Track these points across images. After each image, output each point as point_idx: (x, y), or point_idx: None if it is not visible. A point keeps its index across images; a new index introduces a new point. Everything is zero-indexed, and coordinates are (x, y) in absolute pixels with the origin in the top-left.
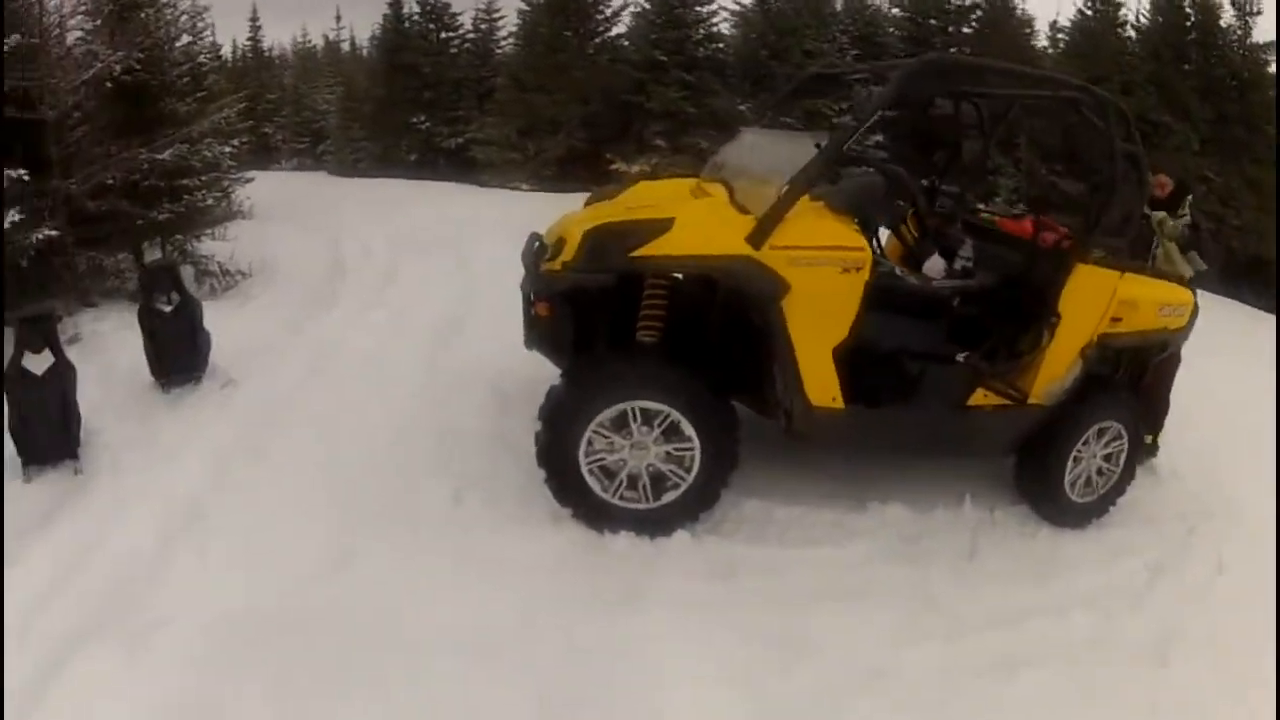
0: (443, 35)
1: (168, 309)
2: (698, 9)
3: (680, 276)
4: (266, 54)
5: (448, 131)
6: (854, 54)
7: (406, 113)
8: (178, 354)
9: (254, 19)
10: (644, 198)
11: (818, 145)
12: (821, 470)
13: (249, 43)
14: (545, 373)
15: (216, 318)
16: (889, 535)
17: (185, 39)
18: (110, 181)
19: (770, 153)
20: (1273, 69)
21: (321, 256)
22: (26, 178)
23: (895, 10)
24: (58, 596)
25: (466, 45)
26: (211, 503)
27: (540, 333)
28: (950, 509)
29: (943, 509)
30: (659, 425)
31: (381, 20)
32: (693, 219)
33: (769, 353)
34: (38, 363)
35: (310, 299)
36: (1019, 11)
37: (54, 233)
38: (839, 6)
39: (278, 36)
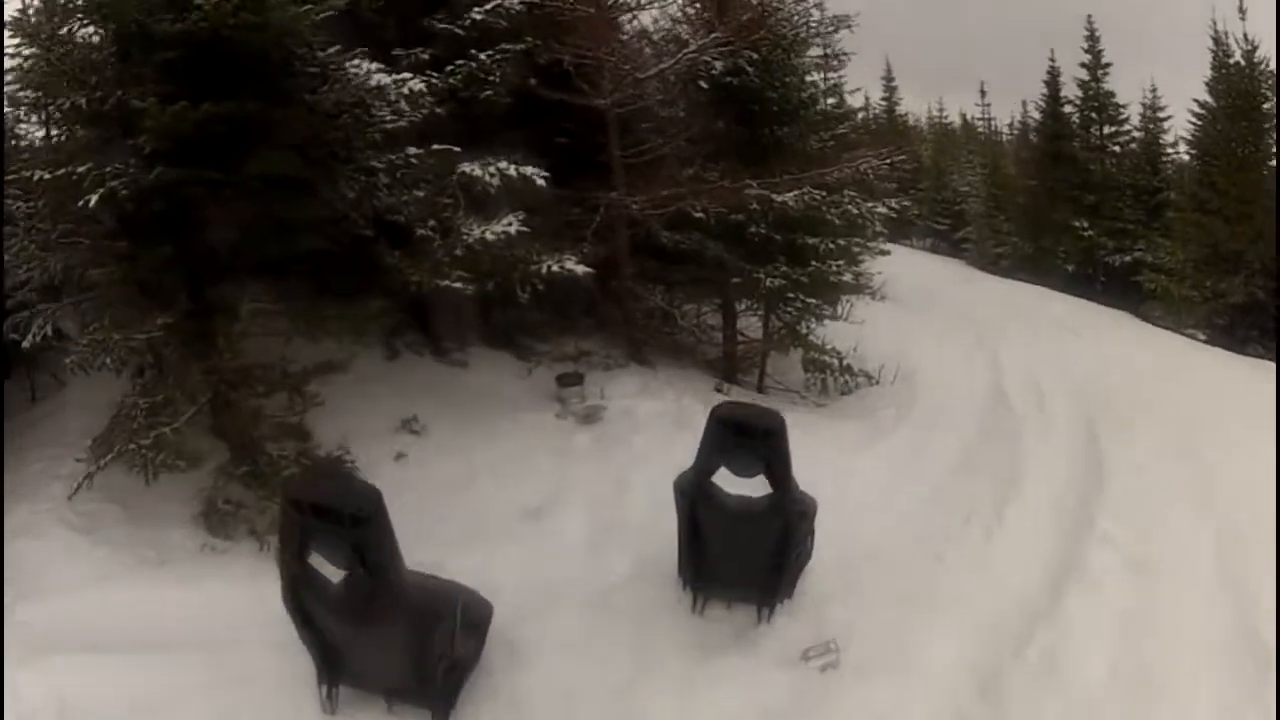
0: (1106, 130)
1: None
2: None
3: None
4: (900, 119)
5: (1112, 245)
6: None
7: (1065, 213)
8: (741, 567)
9: (888, 77)
10: None
11: None
12: None
13: (883, 103)
14: None
15: (824, 447)
16: None
17: (815, 52)
18: (697, 214)
19: None
20: None
21: (977, 384)
22: (540, 178)
23: None
24: None
25: (1132, 145)
26: None
27: None
28: None
29: None
30: None
31: (1024, 104)
32: None
33: None
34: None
35: (971, 462)
36: None
37: (578, 267)
38: None
39: (911, 105)
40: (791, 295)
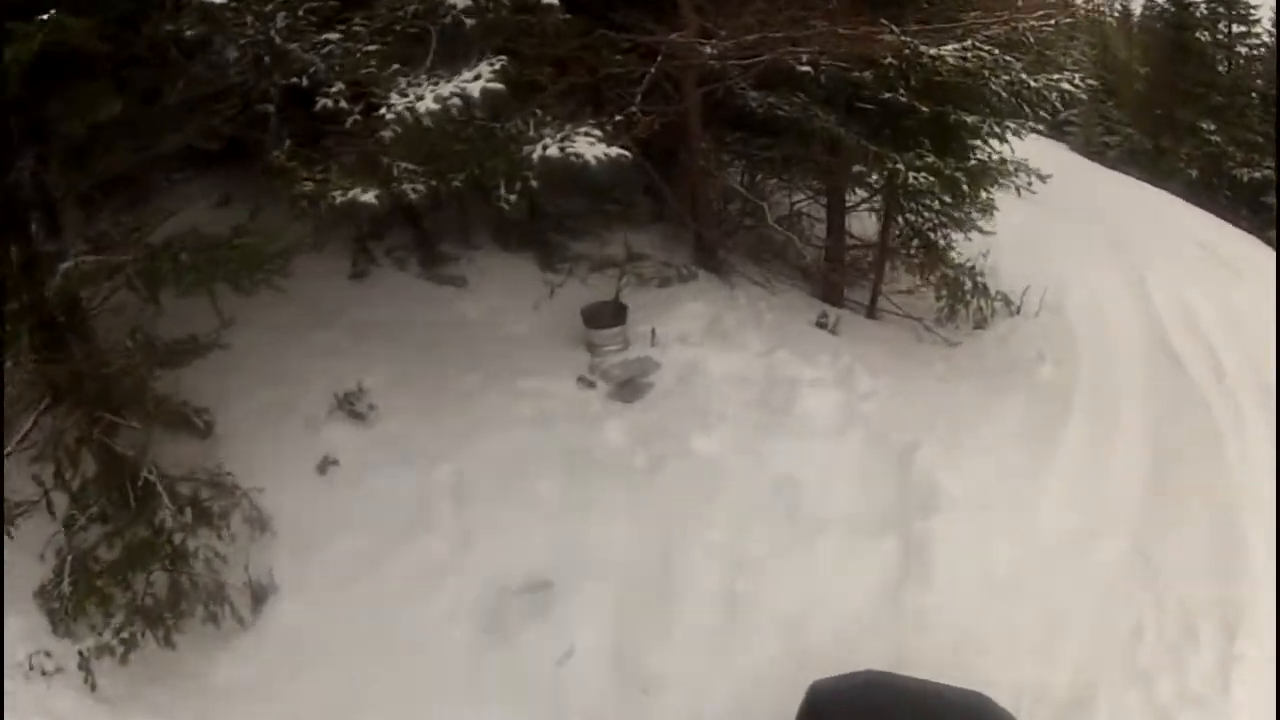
0: (1235, 29)
1: None
2: None
3: None
4: None
5: (1240, 157)
6: None
7: (1190, 113)
8: None
9: None
10: None
11: None
12: None
13: None
14: None
15: (984, 456)
16: None
17: None
18: (803, 68)
19: None
20: None
21: (1135, 331)
22: None
23: None
24: None
25: (1260, 49)
26: None
27: None
28: None
29: None
30: None
31: None
32: None
33: None
34: None
35: (1169, 490)
36: None
37: (593, 148)
38: None
39: None
40: (927, 194)
